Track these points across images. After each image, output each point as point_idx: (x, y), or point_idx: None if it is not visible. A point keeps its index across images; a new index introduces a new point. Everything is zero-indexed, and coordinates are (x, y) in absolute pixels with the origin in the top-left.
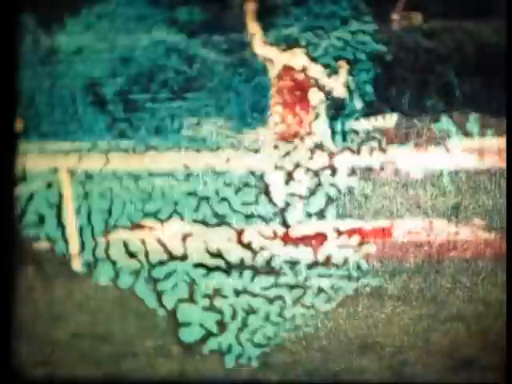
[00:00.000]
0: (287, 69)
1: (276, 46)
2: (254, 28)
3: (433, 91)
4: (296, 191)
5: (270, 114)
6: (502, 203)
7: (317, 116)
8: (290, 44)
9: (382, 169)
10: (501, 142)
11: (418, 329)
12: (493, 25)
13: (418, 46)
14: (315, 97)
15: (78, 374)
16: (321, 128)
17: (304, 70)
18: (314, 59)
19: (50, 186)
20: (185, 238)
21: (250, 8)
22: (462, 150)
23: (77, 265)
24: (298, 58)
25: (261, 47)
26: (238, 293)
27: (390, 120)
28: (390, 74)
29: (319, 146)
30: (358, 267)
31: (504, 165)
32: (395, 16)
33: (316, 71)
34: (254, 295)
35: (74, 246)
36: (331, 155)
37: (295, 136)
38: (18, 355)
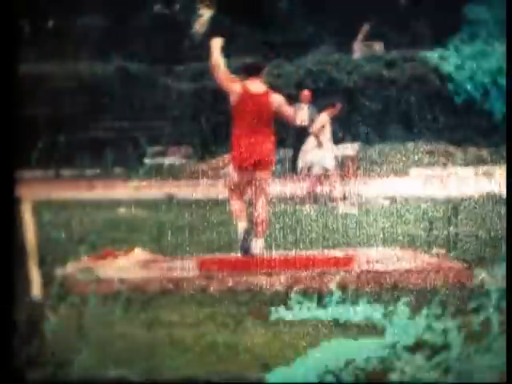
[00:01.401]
0: (248, 97)
1: (237, 75)
2: (217, 59)
3: (394, 120)
4: (258, 219)
5: (233, 141)
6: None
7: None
8: (251, 72)
9: (343, 197)
10: (464, 171)
11: (380, 357)
12: (454, 54)
13: (380, 74)
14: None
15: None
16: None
17: (265, 98)
18: (274, 87)
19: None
20: (146, 266)
21: (216, 44)
22: (424, 179)
23: (37, 293)
24: (259, 87)
25: (222, 76)
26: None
27: (351, 149)
28: (352, 102)
29: (279, 175)
30: (320, 296)
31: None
32: (357, 45)
33: (277, 99)
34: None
35: (36, 274)
36: (292, 183)
37: (257, 163)
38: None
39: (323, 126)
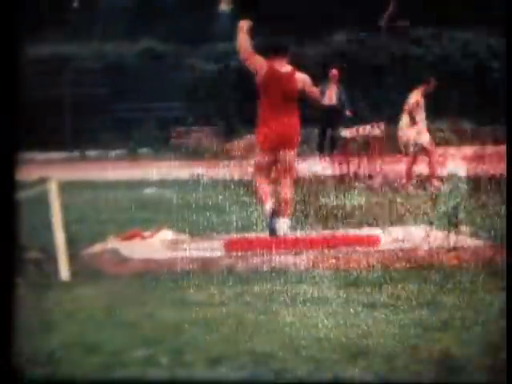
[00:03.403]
0: (274, 76)
1: (263, 55)
2: (243, 41)
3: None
4: (284, 199)
5: (258, 121)
6: (498, 209)
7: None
8: (276, 52)
9: (370, 177)
10: (489, 150)
11: (407, 336)
12: (480, 32)
13: (406, 53)
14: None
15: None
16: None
17: (290, 77)
18: (300, 67)
19: (39, 196)
20: (173, 246)
21: (243, 26)
22: (451, 158)
23: (65, 274)
24: (284, 66)
25: (248, 57)
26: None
27: (377, 128)
28: (378, 81)
29: (306, 155)
30: (347, 275)
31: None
32: (383, 24)
33: (302, 78)
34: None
35: (63, 255)
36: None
37: (283, 143)
38: (18, 355)
39: (417, 104)
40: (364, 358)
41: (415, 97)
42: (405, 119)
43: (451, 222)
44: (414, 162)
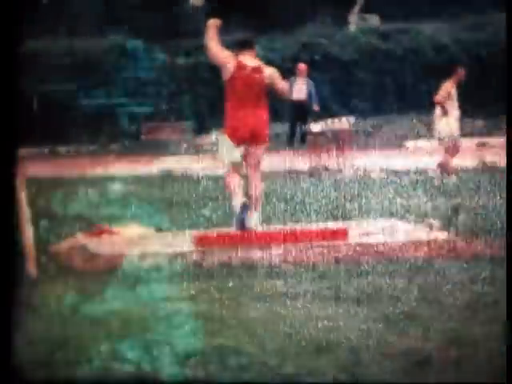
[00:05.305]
0: (241, 71)
1: (231, 50)
2: (211, 38)
3: (390, 92)
4: (253, 193)
5: (226, 116)
6: (469, 203)
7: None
8: (243, 47)
9: (339, 170)
10: (461, 142)
11: (374, 329)
12: (450, 25)
13: (375, 47)
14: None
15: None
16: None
17: (258, 71)
18: (269, 61)
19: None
20: (142, 242)
21: (213, 24)
22: (419, 151)
23: (33, 270)
24: (251, 61)
25: (216, 53)
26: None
27: (346, 122)
28: (347, 75)
29: (275, 149)
30: (314, 269)
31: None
32: (352, 18)
33: (270, 73)
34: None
35: (30, 251)
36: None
37: (252, 137)
38: (18, 355)
39: (449, 94)
40: (331, 351)
41: (446, 88)
42: (437, 110)
43: (419, 216)
44: (449, 153)
